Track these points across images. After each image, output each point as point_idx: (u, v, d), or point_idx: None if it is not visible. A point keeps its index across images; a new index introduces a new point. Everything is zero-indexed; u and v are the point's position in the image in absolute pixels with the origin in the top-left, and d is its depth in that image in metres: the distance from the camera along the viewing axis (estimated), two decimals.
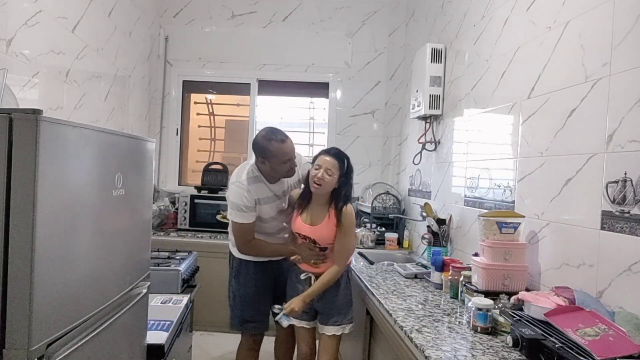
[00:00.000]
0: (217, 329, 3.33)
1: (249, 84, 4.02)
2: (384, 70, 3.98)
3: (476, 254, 1.86)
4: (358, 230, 3.13)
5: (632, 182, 1.30)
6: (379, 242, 3.28)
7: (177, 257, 2.70)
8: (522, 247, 1.74)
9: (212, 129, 4.17)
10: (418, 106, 2.89)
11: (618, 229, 1.34)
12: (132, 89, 3.48)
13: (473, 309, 1.54)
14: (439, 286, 2.11)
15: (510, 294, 1.60)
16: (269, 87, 4.06)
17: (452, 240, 2.54)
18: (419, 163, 3.08)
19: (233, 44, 3.97)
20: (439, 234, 2.56)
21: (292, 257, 2.13)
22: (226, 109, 4.23)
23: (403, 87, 3.77)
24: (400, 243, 3.29)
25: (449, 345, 1.41)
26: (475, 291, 1.74)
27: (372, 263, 2.68)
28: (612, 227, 1.37)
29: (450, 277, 1.99)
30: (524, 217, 1.78)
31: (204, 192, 3.65)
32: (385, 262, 2.68)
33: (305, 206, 2.07)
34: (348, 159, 2.01)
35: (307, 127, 4.11)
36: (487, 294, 1.68)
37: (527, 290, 1.66)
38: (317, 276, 2.03)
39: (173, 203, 3.76)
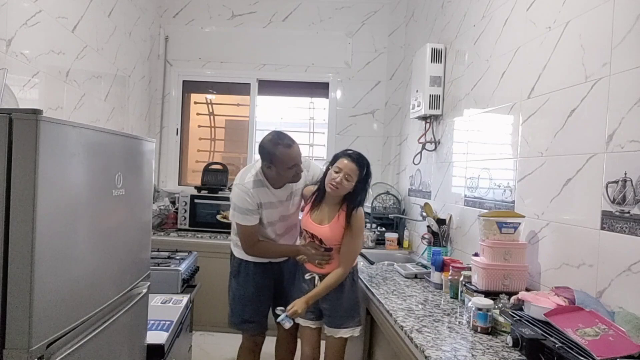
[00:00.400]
0: (217, 329, 3.32)
1: (249, 84, 4.02)
2: (384, 70, 3.98)
3: (476, 254, 1.86)
4: None
5: (632, 182, 1.30)
6: (379, 242, 3.28)
7: (177, 257, 2.70)
8: (522, 247, 1.74)
9: (212, 129, 4.17)
10: (418, 106, 2.89)
11: (618, 229, 1.34)
12: (132, 89, 3.48)
13: (473, 309, 1.54)
14: (439, 286, 2.11)
15: (510, 294, 1.60)
16: (269, 87, 4.06)
17: (452, 240, 2.54)
18: (419, 163, 3.08)
19: (233, 44, 3.97)
20: (439, 234, 2.56)
21: (298, 257, 2.13)
22: (226, 109, 4.23)
23: (403, 87, 3.77)
24: (400, 243, 3.29)
25: (449, 345, 1.41)
26: (475, 291, 1.74)
27: (372, 263, 2.68)
28: (612, 227, 1.37)
29: (450, 277, 1.99)
30: (524, 217, 1.78)
31: (204, 192, 3.64)
32: (385, 262, 2.69)
33: (317, 204, 2.06)
34: (369, 165, 1.97)
35: (307, 127, 4.11)
36: (487, 294, 1.68)
37: (527, 290, 1.66)
38: (322, 277, 2.02)
39: (173, 203, 3.76)
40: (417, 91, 2.94)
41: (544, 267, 1.71)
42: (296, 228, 2.29)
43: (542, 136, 1.74)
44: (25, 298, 1.01)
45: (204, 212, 3.55)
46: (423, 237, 2.70)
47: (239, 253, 2.19)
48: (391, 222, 3.40)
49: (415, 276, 2.32)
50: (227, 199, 3.34)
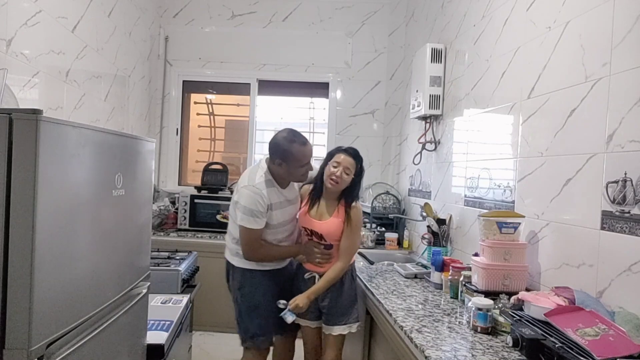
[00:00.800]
0: (217, 329, 3.32)
1: (249, 84, 4.02)
2: (384, 70, 3.98)
3: (476, 254, 1.86)
4: None
5: (632, 182, 1.30)
6: (379, 242, 3.28)
7: (177, 257, 2.70)
8: (522, 247, 1.74)
9: (212, 129, 4.17)
10: (418, 106, 2.89)
11: (618, 229, 1.34)
12: (132, 89, 3.48)
13: (473, 309, 1.54)
14: (439, 286, 2.11)
15: (510, 294, 1.60)
16: (269, 87, 4.06)
17: (452, 240, 2.54)
18: (419, 163, 3.08)
19: (233, 44, 3.97)
20: (439, 234, 2.56)
21: (298, 257, 2.12)
22: (226, 109, 4.23)
23: (403, 87, 3.77)
24: (400, 243, 3.29)
25: (449, 345, 1.41)
26: (475, 291, 1.74)
27: (372, 263, 2.68)
28: (612, 227, 1.37)
29: (450, 277, 1.99)
30: (524, 217, 1.78)
31: (204, 192, 3.64)
32: (385, 262, 2.68)
33: (315, 201, 2.07)
34: (362, 160, 2.04)
35: (307, 127, 4.11)
36: (487, 294, 1.68)
37: (527, 290, 1.66)
38: (321, 276, 2.03)
39: (173, 203, 3.76)
40: (417, 91, 2.94)
41: (544, 267, 1.71)
42: (297, 230, 2.21)
43: (542, 136, 1.74)
44: (25, 298, 1.01)
45: (204, 212, 3.55)
46: (423, 237, 2.70)
47: (240, 262, 2.07)
48: (391, 222, 3.40)
49: (415, 276, 2.32)
50: (227, 199, 3.34)
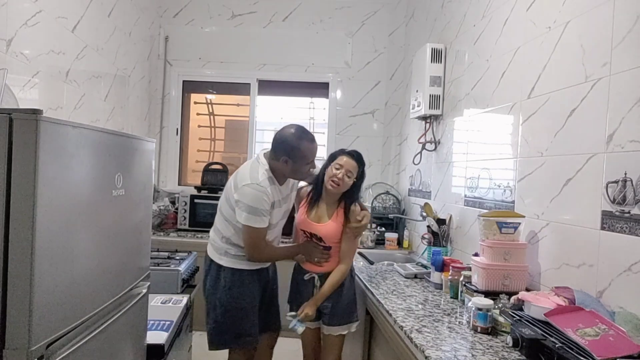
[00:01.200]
0: None
1: (249, 84, 4.02)
2: (384, 70, 3.98)
3: (476, 254, 1.86)
4: None
5: (632, 182, 1.30)
6: (379, 242, 3.28)
7: (177, 257, 2.70)
8: (522, 247, 1.74)
9: (212, 129, 4.17)
10: (418, 106, 2.89)
11: (618, 229, 1.34)
12: (132, 89, 3.48)
13: (473, 309, 1.54)
14: (439, 286, 2.11)
15: (510, 294, 1.60)
16: (269, 87, 4.06)
17: (452, 240, 2.54)
18: (419, 163, 3.08)
19: (233, 44, 3.97)
20: (439, 234, 2.56)
21: (296, 257, 2.11)
22: (226, 109, 4.23)
23: (403, 87, 3.77)
24: (400, 243, 3.29)
25: (449, 345, 1.41)
26: (475, 291, 1.74)
27: (372, 263, 2.68)
28: (612, 227, 1.37)
29: (450, 277, 1.99)
30: (524, 217, 1.78)
31: (204, 192, 3.64)
32: (385, 262, 2.68)
33: (314, 204, 2.06)
34: (364, 164, 2.03)
35: (307, 127, 4.08)
36: (487, 294, 1.68)
37: (527, 290, 1.66)
38: (320, 275, 2.02)
39: (173, 203, 3.76)
40: (417, 91, 2.94)
41: (544, 267, 1.71)
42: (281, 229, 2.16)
43: (542, 136, 1.74)
44: (25, 298, 1.01)
45: (204, 212, 3.55)
46: (423, 237, 2.70)
47: (231, 262, 2.01)
48: (391, 222, 3.40)
49: (415, 276, 2.32)
50: None
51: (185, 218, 3.55)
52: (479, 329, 1.52)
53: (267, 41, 3.96)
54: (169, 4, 3.95)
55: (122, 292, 1.48)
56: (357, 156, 2.00)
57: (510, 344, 1.38)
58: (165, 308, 2.16)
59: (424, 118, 2.96)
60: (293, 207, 2.20)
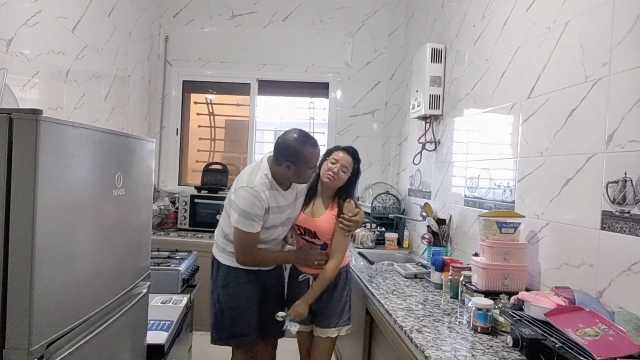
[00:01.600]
0: None
1: (249, 84, 4.02)
2: (384, 70, 3.98)
3: (476, 254, 1.86)
4: (358, 230, 3.13)
5: (632, 182, 1.30)
6: (379, 242, 3.28)
7: (177, 257, 2.70)
8: (522, 247, 1.74)
9: (212, 129, 4.17)
10: (418, 106, 2.89)
11: (618, 229, 1.34)
12: (132, 89, 3.48)
13: (473, 309, 1.54)
14: (439, 286, 2.11)
15: (510, 294, 1.60)
16: (269, 87, 4.06)
17: (452, 240, 2.54)
18: (419, 163, 3.08)
19: (233, 44, 3.97)
20: (439, 234, 2.56)
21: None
22: (226, 109, 4.23)
23: (403, 87, 3.77)
24: (400, 243, 3.29)
25: (449, 345, 1.41)
26: (475, 291, 1.74)
27: (372, 263, 2.68)
28: (612, 227, 1.37)
29: (450, 277, 1.99)
30: (524, 217, 1.78)
31: (204, 192, 3.64)
32: (385, 262, 2.68)
33: (310, 199, 2.08)
34: (360, 161, 2.05)
35: (307, 127, 4.10)
36: (487, 294, 1.68)
37: (527, 290, 1.66)
38: (315, 277, 2.01)
39: (173, 203, 3.76)
40: (417, 91, 2.94)
41: (544, 267, 1.71)
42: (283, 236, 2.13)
43: (542, 136, 1.74)
44: (25, 298, 1.01)
45: (204, 212, 3.55)
46: (423, 237, 2.70)
47: (228, 260, 2.03)
48: (391, 222, 3.40)
49: (415, 276, 2.32)
50: None
51: (185, 218, 3.55)
52: (479, 329, 1.52)
53: (267, 41, 3.96)
54: (169, 4, 3.95)
55: (122, 292, 1.48)
56: (352, 152, 2.02)
57: (511, 344, 1.38)
58: (165, 308, 2.16)
59: (424, 118, 2.96)
60: None
